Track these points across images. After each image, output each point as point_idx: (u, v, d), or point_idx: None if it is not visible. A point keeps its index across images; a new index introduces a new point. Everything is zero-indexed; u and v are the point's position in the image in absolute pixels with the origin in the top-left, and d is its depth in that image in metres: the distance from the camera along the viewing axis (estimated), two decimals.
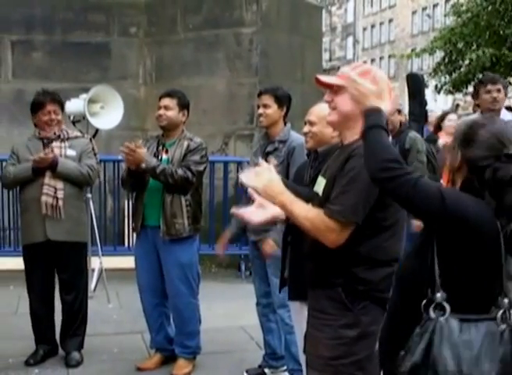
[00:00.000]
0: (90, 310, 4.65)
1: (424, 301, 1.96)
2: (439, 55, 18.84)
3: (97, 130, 5.99)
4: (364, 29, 57.53)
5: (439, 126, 5.90)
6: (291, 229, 3.14)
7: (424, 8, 48.62)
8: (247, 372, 4.32)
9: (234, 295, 6.06)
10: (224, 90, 7.75)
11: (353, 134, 2.43)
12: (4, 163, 4.79)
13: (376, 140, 2.06)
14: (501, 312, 1.92)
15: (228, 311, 5.63)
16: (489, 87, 4.72)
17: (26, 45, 7.83)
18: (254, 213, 2.59)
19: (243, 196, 4.57)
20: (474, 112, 5.12)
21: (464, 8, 17.52)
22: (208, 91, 7.65)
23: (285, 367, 4.17)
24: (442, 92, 18.54)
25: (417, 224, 3.76)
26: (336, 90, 2.47)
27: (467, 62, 17.05)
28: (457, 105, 10.73)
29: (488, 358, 1.87)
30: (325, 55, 51.05)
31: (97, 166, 4.62)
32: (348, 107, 2.42)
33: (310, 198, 2.55)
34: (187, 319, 4.33)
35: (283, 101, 4.06)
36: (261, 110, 4.05)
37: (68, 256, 4.43)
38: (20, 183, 4.43)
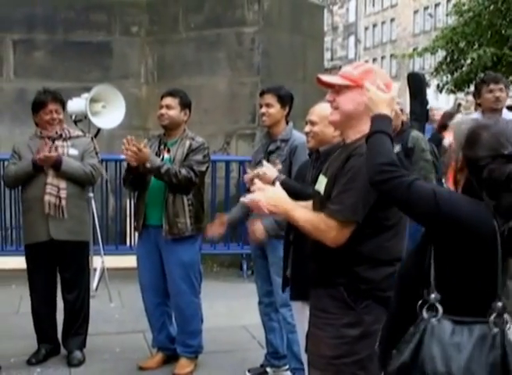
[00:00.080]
0: (92, 309, 4.66)
1: (420, 302, 1.96)
2: (441, 54, 18.81)
3: (98, 130, 5.99)
4: (366, 28, 57.51)
5: (443, 126, 5.89)
6: (293, 228, 3.14)
7: (425, 8, 48.58)
8: (249, 371, 4.32)
9: (236, 294, 6.07)
10: (225, 89, 7.75)
11: (356, 133, 2.44)
12: (6, 163, 4.80)
13: (376, 144, 2.11)
14: (494, 315, 1.91)
15: (230, 310, 5.63)
16: (492, 86, 4.71)
17: (27, 44, 7.83)
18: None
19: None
20: (476, 111, 5.12)
21: (465, 7, 17.48)
22: (209, 91, 7.66)
23: (287, 366, 4.17)
24: (443, 91, 18.53)
25: None
26: (337, 89, 2.48)
27: (468, 61, 17.02)
28: (459, 105, 10.69)
29: (479, 362, 1.87)
30: (327, 55, 50.96)
31: (99, 166, 4.63)
32: (350, 106, 2.43)
33: (312, 195, 2.57)
34: (189, 318, 4.34)
35: (286, 100, 4.07)
36: (263, 109, 4.06)
37: (70, 255, 4.43)
38: (22, 181, 4.42)
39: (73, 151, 4.42)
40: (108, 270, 6.07)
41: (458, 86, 17.59)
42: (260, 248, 4.11)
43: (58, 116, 4.43)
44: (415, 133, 5.21)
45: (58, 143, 4.40)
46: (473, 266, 1.94)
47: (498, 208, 1.92)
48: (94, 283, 5.88)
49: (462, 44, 17.36)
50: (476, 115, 4.93)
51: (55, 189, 4.30)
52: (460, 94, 16.79)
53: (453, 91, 18.05)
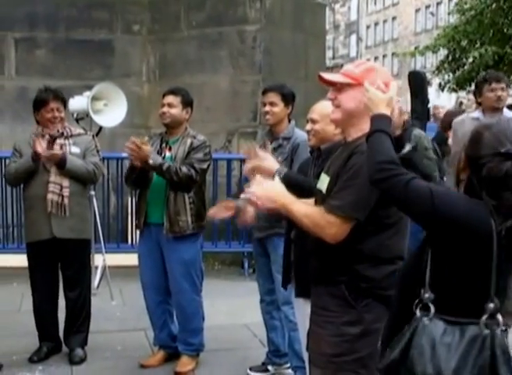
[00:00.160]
0: (93, 307, 4.66)
1: (416, 301, 1.97)
2: (443, 53, 18.80)
3: (100, 128, 6.00)
4: (368, 27, 57.45)
5: (448, 125, 5.87)
6: (294, 226, 3.14)
7: (427, 6, 48.50)
8: (250, 369, 4.32)
9: (237, 293, 6.08)
10: (227, 87, 7.75)
11: (357, 131, 2.44)
12: (7, 161, 4.80)
13: (376, 143, 2.12)
14: (485, 316, 1.90)
15: (231, 308, 5.63)
16: (494, 85, 4.70)
17: (29, 43, 7.83)
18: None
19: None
20: (476, 110, 5.11)
21: (467, 6, 17.46)
22: (211, 89, 7.65)
23: (288, 364, 4.17)
24: (445, 90, 18.51)
25: None
26: (339, 87, 2.48)
27: (470, 60, 17.01)
28: (461, 103, 10.70)
29: (468, 364, 1.86)
30: (329, 53, 50.95)
31: (101, 164, 4.63)
32: (352, 104, 2.43)
33: (313, 189, 2.58)
34: (190, 316, 4.34)
35: (289, 99, 4.08)
36: (267, 108, 4.05)
37: (72, 253, 4.44)
38: (23, 178, 4.41)
39: (75, 150, 4.42)
40: (110, 268, 6.08)
41: (460, 84, 17.58)
42: (261, 246, 4.12)
43: (60, 114, 4.43)
44: (417, 131, 5.20)
45: (60, 141, 4.41)
46: (468, 265, 1.94)
47: (498, 208, 1.92)
48: (95, 281, 5.89)
49: (464, 43, 17.34)
50: (476, 113, 4.93)
51: (57, 187, 4.30)
52: (462, 93, 16.75)
53: (454, 90, 18.03)
